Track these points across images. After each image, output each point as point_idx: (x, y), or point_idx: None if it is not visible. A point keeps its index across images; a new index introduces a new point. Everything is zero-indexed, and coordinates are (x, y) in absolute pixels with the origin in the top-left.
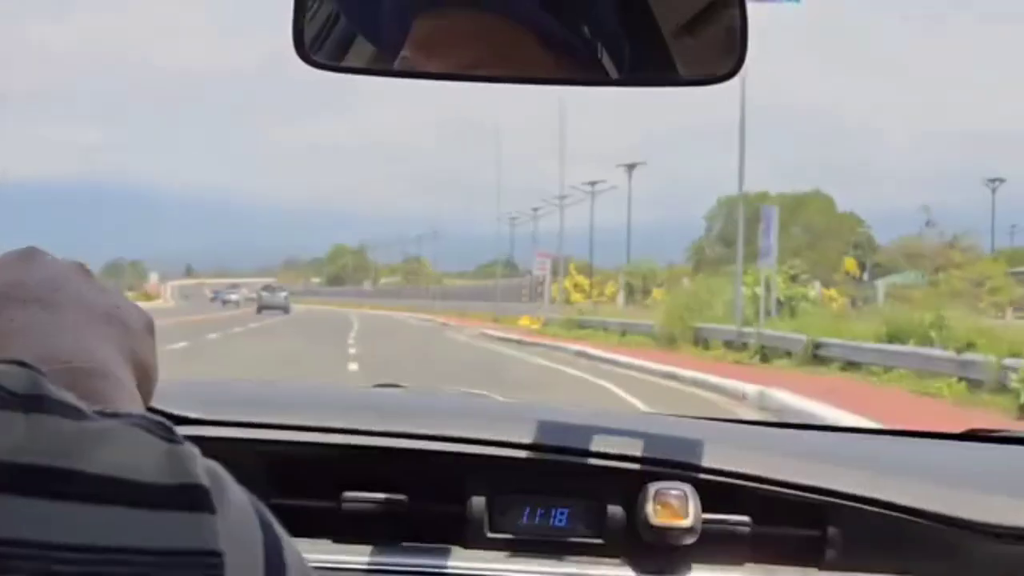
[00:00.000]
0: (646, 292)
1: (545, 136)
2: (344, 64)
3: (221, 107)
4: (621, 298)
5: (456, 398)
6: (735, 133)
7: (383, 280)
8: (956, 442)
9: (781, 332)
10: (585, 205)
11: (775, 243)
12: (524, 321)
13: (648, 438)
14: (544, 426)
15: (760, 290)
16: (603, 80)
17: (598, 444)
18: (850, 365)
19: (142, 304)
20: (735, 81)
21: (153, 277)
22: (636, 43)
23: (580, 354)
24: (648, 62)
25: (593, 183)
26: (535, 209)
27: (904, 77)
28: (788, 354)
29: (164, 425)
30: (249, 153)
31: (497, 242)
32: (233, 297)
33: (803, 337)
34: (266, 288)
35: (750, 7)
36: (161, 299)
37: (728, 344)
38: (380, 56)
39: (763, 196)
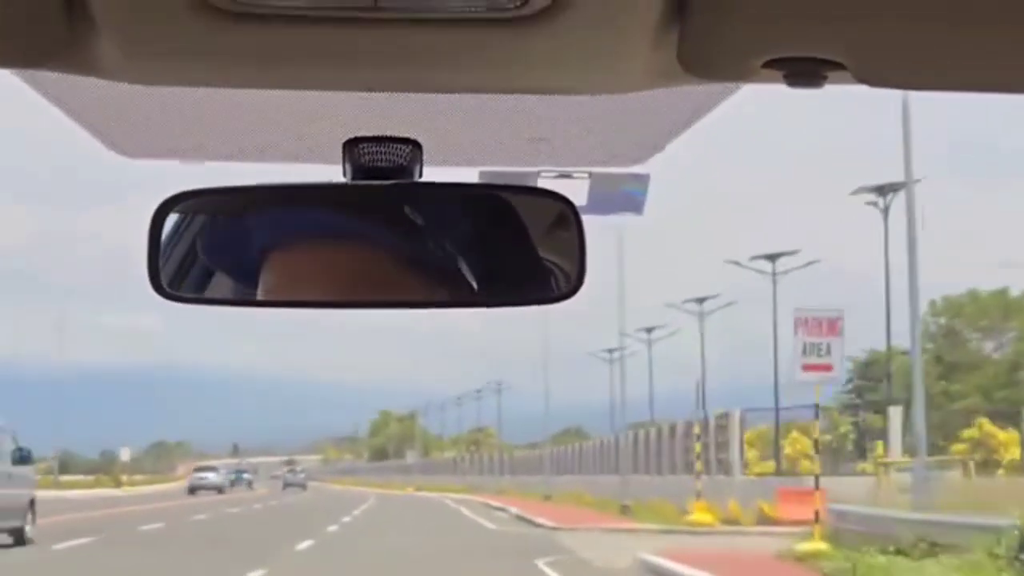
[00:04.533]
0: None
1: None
2: (205, 296)
3: None
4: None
5: None
6: None
7: (437, 453)
8: None
9: None
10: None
11: None
12: (700, 513)
13: None
14: None
15: None
16: (463, 300)
17: None
18: None
19: (159, 487)
20: None
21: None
22: (490, 265)
23: None
24: (500, 282)
25: (650, 329)
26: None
27: None
28: None
29: None
30: (298, 331)
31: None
32: (211, 477)
33: None
34: (289, 469)
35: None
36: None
37: None
38: (240, 288)
39: None
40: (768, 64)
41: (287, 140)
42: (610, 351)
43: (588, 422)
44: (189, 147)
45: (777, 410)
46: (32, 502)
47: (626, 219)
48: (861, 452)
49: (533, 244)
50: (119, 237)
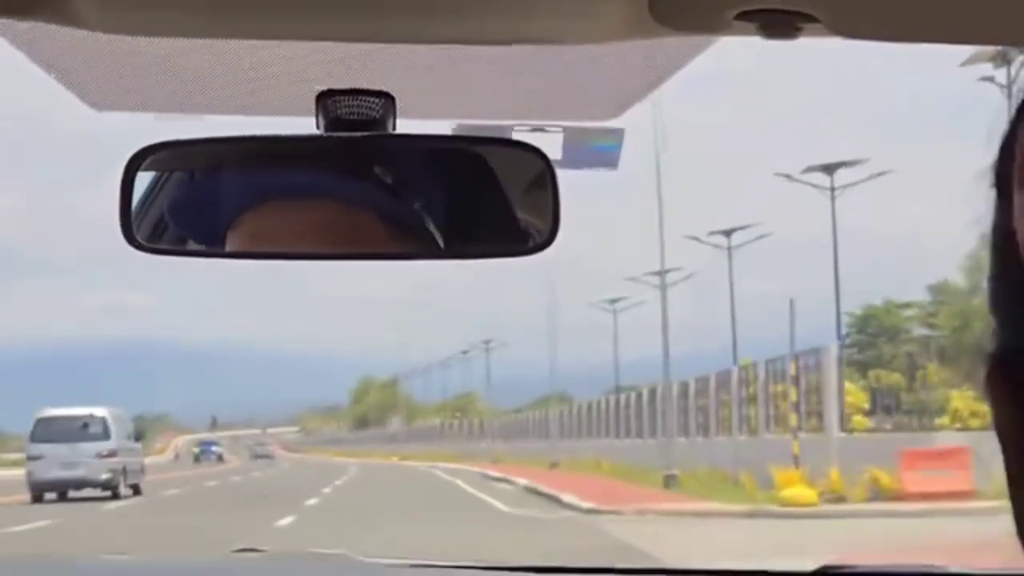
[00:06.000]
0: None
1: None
2: (179, 248)
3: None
4: None
5: (313, 564)
6: None
7: (421, 420)
8: None
9: None
10: None
11: None
12: (797, 487)
13: None
14: None
15: None
16: (435, 253)
17: None
18: None
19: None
20: None
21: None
22: (462, 218)
23: None
24: (473, 234)
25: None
26: None
27: None
28: None
29: None
30: (275, 300)
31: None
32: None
33: None
34: (257, 442)
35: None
36: (167, 454)
37: None
38: (215, 239)
39: None
40: (741, 16)
41: (261, 93)
42: (613, 301)
43: (572, 387)
44: (161, 100)
45: (841, 342)
46: (143, 467)
47: (601, 174)
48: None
49: (507, 197)
50: (96, 210)
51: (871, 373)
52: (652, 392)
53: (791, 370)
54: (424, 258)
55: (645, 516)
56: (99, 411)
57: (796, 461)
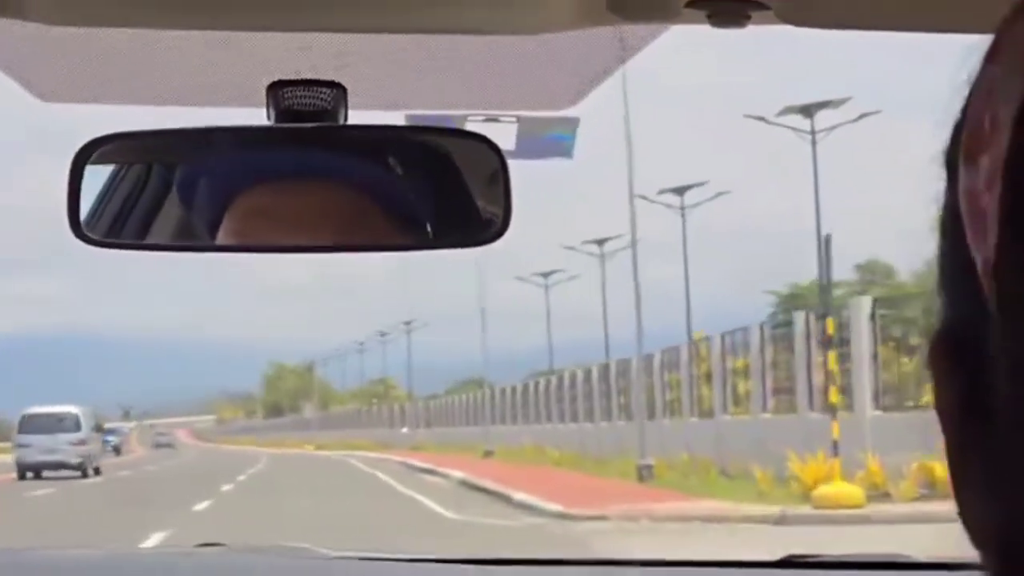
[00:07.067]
0: None
1: None
2: (129, 241)
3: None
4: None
5: (277, 557)
6: None
7: (337, 407)
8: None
9: None
10: None
11: None
12: (839, 484)
13: None
14: None
15: None
16: (385, 244)
17: None
18: None
19: None
20: None
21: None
22: (412, 208)
23: None
24: (424, 225)
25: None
26: None
27: None
28: None
29: None
30: (191, 289)
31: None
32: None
33: None
34: (158, 432)
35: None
36: None
37: None
38: (163, 231)
39: None
40: (691, 4)
41: (210, 83)
42: (546, 275)
43: (500, 369)
44: (108, 91)
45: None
46: (99, 453)
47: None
48: None
49: (458, 187)
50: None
51: None
52: (604, 369)
53: (828, 329)
54: (374, 250)
55: (639, 523)
56: (73, 409)
57: (836, 448)
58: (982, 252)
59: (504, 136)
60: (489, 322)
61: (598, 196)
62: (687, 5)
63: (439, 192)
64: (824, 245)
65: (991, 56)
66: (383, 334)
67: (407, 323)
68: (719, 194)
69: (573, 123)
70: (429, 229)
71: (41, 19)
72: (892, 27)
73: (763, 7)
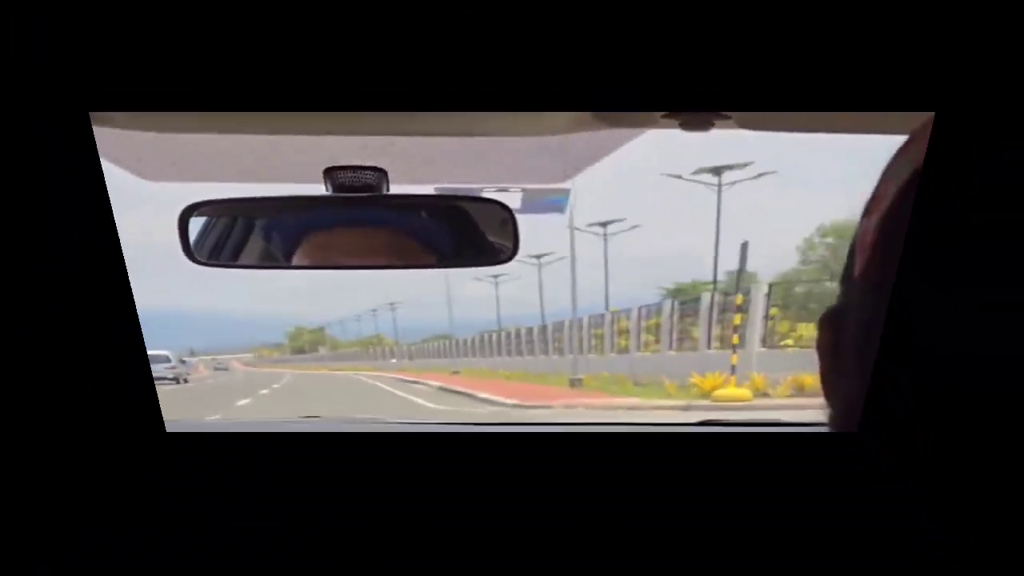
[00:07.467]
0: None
1: None
2: (240, 262)
3: None
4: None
5: (364, 424)
6: None
7: (343, 350)
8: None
9: None
10: None
11: None
12: (731, 389)
13: None
14: None
15: None
16: (439, 264)
17: None
18: None
19: None
20: None
21: None
22: (448, 246)
23: None
24: (464, 252)
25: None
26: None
27: None
28: None
29: None
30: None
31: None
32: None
33: None
34: (218, 363)
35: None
36: None
37: None
38: (271, 257)
39: None
40: (666, 116)
41: (276, 168)
42: (495, 276)
43: (453, 332)
44: (200, 173)
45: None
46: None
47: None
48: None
49: (481, 231)
50: None
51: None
52: (542, 328)
53: (738, 301)
54: (432, 267)
55: (577, 410)
56: (164, 351)
57: (733, 370)
58: (858, 266)
59: (511, 201)
60: (454, 306)
61: (545, 227)
62: (663, 116)
63: (460, 231)
64: (742, 249)
65: (899, 153)
66: (373, 311)
67: (392, 304)
68: (633, 227)
69: (566, 192)
70: (467, 256)
71: (146, 128)
72: (821, 130)
73: (725, 117)
